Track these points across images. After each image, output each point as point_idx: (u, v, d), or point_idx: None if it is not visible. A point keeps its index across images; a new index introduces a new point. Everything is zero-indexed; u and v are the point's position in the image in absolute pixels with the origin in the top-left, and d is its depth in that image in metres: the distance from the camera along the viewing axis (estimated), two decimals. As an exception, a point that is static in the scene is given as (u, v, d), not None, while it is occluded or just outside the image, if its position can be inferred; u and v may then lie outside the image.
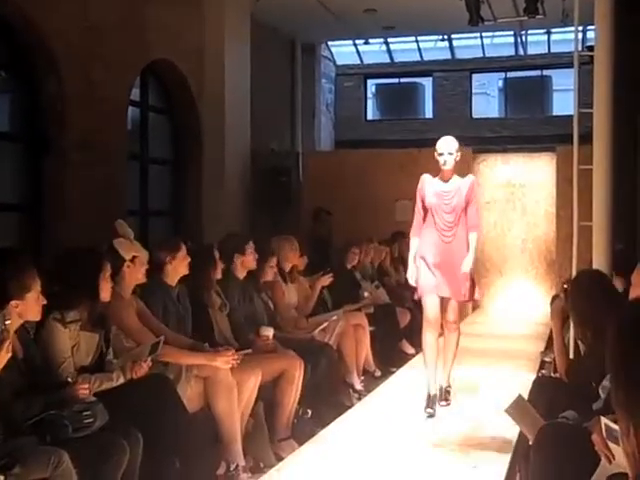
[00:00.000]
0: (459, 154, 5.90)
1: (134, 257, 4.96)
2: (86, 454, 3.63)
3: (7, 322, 3.39)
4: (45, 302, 3.82)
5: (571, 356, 5.23)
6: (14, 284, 3.70)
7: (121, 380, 4.24)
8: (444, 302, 5.97)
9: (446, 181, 5.91)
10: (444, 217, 5.88)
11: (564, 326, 4.74)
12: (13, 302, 3.65)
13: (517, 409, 3.91)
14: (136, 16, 7.77)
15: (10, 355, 3.34)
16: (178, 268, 5.37)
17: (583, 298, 4.38)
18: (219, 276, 5.86)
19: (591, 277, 4.76)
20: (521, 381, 6.54)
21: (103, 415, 3.92)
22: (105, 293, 4.40)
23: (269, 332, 5.89)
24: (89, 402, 3.90)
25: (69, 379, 3.98)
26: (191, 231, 8.68)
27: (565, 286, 4.92)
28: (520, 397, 4.00)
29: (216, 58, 9.42)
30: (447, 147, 5.86)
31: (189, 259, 5.42)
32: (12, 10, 6.28)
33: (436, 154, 5.87)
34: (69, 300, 4.21)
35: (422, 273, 5.89)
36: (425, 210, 5.96)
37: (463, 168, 13.63)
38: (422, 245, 5.95)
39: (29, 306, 3.73)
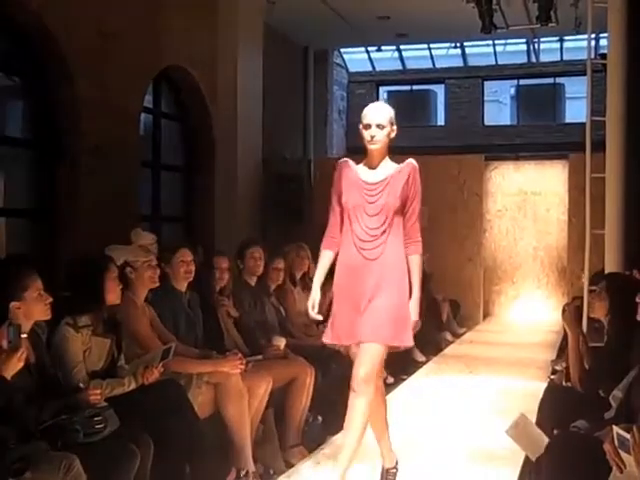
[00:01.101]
0: (394, 128, 4.20)
1: (138, 262, 4.96)
2: (97, 459, 3.63)
3: (23, 335, 3.43)
4: (51, 300, 3.82)
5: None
6: (10, 285, 3.72)
7: (132, 386, 4.25)
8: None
9: (373, 168, 4.22)
10: (365, 222, 4.14)
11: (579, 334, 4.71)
12: (13, 303, 3.67)
13: (518, 429, 3.86)
14: (149, 23, 7.81)
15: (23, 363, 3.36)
16: (178, 273, 5.35)
17: (602, 300, 4.41)
18: (222, 284, 5.87)
19: (616, 279, 4.81)
20: (532, 389, 6.52)
21: (114, 420, 3.93)
22: (112, 295, 4.38)
23: (281, 342, 5.86)
24: (100, 407, 3.91)
25: (81, 384, 4.00)
26: (203, 237, 8.70)
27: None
28: (521, 417, 3.93)
29: (229, 65, 9.45)
30: (377, 116, 4.15)
31: (189, 264, 5.39)
32: (27, 17, 6.32)
33: (361, 127, 4.19)
34: (76, 304, 4.22)
35: (339, 311, 4.21)
36: (342, 211, 4.24)
37: (475, 176, 13.67)
38: (337, 265, 4.27)
39: (31, 305, 3.73)
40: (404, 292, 4.22)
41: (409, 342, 4.25)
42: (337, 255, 4.25)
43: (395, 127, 4.20)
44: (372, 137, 4.14)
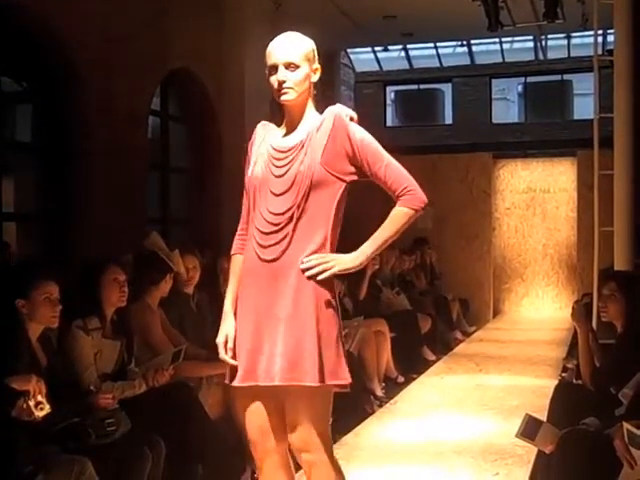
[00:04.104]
0: (317, 67, 2.99)
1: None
2: (109, 462, 3.66)
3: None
4: (60, 308, 3.82)
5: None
6: (20, 282, 3.76)
7: (143, 388, 4.26)
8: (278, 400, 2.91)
9: (293, 129, 2.99)
10: (269, 205, 2.90)
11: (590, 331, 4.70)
12: (18, 300, 3.69)
13: (528, 430, 3.86)
14: (156, 26, 7.82)
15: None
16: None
17: (616, 301, 4.40)
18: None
19: (625, 277, 4.80)
20: (542, 387, 6.52)
21: (125, 423, 3.96)
22: (114, 298, 4.33)
23: None
24: (112, 410, 3.93)
25: (92, 387, 4.02)
26: (211, 239, 8.71)
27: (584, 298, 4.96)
28: (528, 417, 3.93)
29: (236, 67, 9.46)
30: (285, 52, 2.91)
31: (191, 270, 5.42)
32: (33, 21, 6.34)
33: (267, 72, 3.00)
34: (76, 306, 4.23)
35: (238, 338, 2.96)
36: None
37: (484, 174, 13.65)
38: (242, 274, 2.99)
39: (36, 306, 3.72)
40: (324, 312, 2.83)
41: (336, 377, 2.92)
42: None
43: (318, 66, 2.98)
44: (281, 83, 2.90)
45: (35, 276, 3.81)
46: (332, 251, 2.90)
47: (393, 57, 18.35)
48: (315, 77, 2.98)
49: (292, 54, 2.90)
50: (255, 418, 2.94)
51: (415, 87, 19.59)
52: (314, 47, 2.99)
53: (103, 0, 6.84)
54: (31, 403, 3.31)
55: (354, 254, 2.89)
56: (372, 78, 18.67)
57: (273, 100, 3.00)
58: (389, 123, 19.28)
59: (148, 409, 4.17)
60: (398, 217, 2.91)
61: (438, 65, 18.60)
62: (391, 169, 2.93)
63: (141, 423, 4.03)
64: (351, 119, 2.95)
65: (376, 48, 17.49)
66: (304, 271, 2.82)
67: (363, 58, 18.17)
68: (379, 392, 7.24)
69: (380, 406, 6.78)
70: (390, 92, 19.76)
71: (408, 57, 18.55)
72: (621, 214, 6.49)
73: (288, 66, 2.90)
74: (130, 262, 5.12)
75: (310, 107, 2.99)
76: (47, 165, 6.79)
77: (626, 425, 3.18)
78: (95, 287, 4.28)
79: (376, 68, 18.72)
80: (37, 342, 3.77)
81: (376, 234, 2.91)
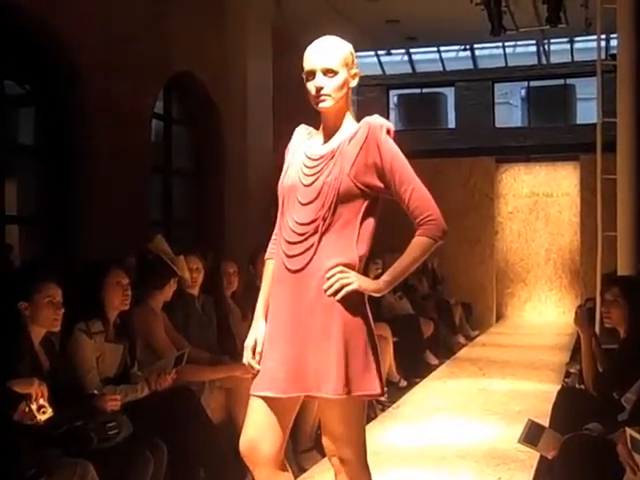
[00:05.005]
0: (356, 72, 2.90)
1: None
2: (111, 465, 3.65)
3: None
4: (62, 311, 3.82)
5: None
6: (23, 285, 3.76)
7: (145, 392, 4.26)
8: (311, 406, 3.02)
9: (329, 136, 2.92)
10: (295, 214, 2.84)
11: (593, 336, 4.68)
12: (21, 303, 3.69)
13: (530, 435, 3.84)
14: (159, 29, 7.83)
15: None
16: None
17: (620, 307, 4.39)
18: (232, 289, 5.89)
19: (628, 283, 4.79)
20: (545, 392, 6.51)
21: (127, 426, 3.94)
22: (116, 301, 4.34)
23: None
24: (114, 413, 3.93)
25: (95, 391, 4.01)
26: (214, 241, 8.71)
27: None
28: (530, 423, 3.91)
29: (239, 70, 9.47)
30: (322, 57, 2.82)
31: (194, 272, 5.42)
32: (35, 23, 6.34)
33: (304, 78, 2.88)
34: (79, 309, 4.23)
35: (265, 346, 2.88)
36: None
37: (486, 178, 13.63)
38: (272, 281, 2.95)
39: (39, 309, 3.73)
40: (349, 323, 2.75)
41: (370, 390, 2.81)
42: None
43: (357, 71, 2.89)
44: (318, 90, 2.82)
45: (38, 279, 3.82)
46: (360, 266, 2.82)
47: (396, 61, 18.35)
48: (353, 83, 2.90)
49: (330, 60, 2.81)
50: (261, 422, 2.88)
51: (418, 91, 19.57)
52: (352, 51, 2.90)
53: (104, 1, 6.85)
54: (33, 407, 3.31)
55: (375, 280, 2.85)
56: (375, 82, 18.64)
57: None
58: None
59: (150, 413, 4.16)
60: (417, 246, 2.81)
61: (441, 69, 18.58)
62: (416, 195, 2.82)
63: (143, 427, 4.02)
64: (387, 132, 2.86)
65: (379, 52, 17.51)
66: (326, 290, 2.73)
67: (366, 62, 18.14)
68: (381, 396, 7.22)
69: (382, 410, 6.78)
70: (393, 96, 19.74)
71: (411, 61, 18.56)
72: (624, 218, 6.48)
73: (326, 72, 2.81)
74: (133, 265, 5.12)
75: (347, 114, 2.92)
76: (49, 167, 6.79)
77: (629, 430, 3.17)
78: (98, 290, 4.28)
79: (379, 72, 18.71)
80: (39, 345, 3.78)
81: (396, 264, 2.83)
